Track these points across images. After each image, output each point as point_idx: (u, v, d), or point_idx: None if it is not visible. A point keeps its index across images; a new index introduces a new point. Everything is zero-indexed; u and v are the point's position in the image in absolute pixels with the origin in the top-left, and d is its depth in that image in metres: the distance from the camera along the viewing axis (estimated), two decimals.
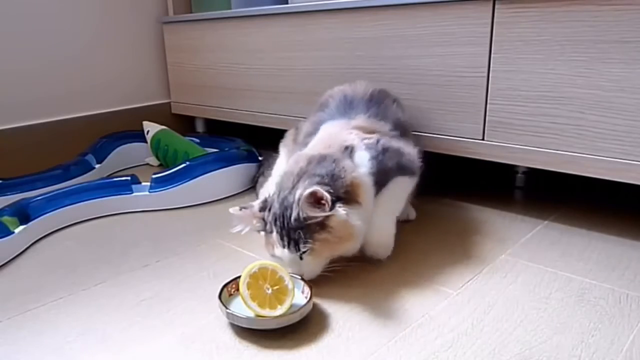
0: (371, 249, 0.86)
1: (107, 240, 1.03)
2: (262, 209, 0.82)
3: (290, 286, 0.72)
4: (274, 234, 0.79)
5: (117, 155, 1.52)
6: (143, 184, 1.21)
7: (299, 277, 0.78)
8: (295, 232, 0.76)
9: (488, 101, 1.04)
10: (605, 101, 0.90)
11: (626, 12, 0.85)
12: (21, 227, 1.01)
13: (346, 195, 0.79)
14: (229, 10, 1.51)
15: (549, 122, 0.97)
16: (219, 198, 1.25)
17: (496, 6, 0.99)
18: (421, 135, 1.15)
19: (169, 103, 1.81)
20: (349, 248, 0.81)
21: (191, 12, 1.70)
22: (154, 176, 1.21)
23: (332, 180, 0.79)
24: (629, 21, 0.85)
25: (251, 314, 0.69)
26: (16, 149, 1.44)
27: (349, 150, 0.86)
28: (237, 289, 0.73)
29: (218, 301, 0.72)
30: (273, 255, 0.81)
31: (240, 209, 0.83)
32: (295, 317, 0.70)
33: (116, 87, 1.67)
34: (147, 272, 0.89)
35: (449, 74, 1.08)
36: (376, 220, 0.85)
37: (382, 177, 0.86)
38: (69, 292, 0.83)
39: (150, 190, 1.19)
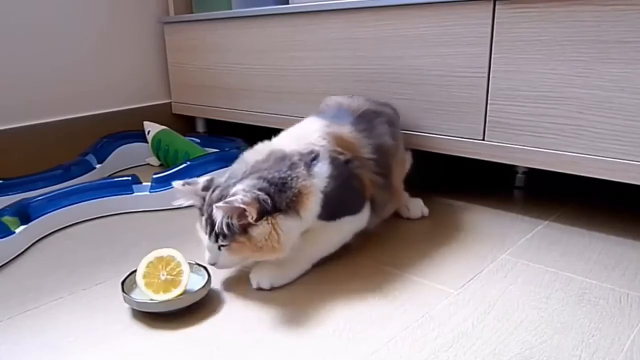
0: (257, 274, 0.82)
1: (108, 240, 1.04)
2: (206, 188, 0.82)
3: (184, 281, 0.75)
4: (203, 218, 0.80)
5: (117, 155, 1.53)
6: (144, 184, 1.21)
7: (204, 268, 0.81)
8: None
9: (488, 101, 1.04)
10: (605, 101, 0.90)
11: (626, 12, 0.85)
12: (22, 227, 1.01)
13: (289, 205, 0.76)
14: (229, 11, 1.51)
15: (549, 122, 0.97)
16: None
17: (497, 6, 0.99)
18: (421, 135, 1.15)
19: (170, 103, 1.81)
20: (271, 257, 0.79)
21: (192, 13, 1.70)
22: (154, 176, 1.21)
23: (277, 190, 0.76)
24: (629, 21, 0.85)
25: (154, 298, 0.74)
26: (17, 149, 1.44)
27: (312, 156, 0.82)
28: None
29: (120, 287, 0.77)
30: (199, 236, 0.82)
31: (184, 185, 0.83)
32: (185, 301, 0.75)
33: (117, 87, 1.67)
34: None
35: (450, 74, 1.08)
36: (295, 257, 0.82)
37: (331, 203, 0.82)
38: (70, 292, 0.83)
39: (151, 190, 1.19)
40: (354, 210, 0.88)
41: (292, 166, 0.79)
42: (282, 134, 0.92)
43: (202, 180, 0.84)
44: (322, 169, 0.82)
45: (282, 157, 0.81)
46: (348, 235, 0.89)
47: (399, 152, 1.03)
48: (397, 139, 1.03)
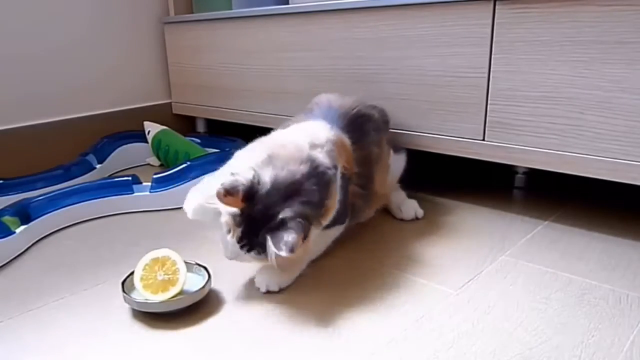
0: (264, 278, 0.83)
1: (108, 240, 1.04)
2: (248, 197, 0.74)
3: (181, 279, 0.76)
4: (239, 229, 0.75)
5: (118, 155, 1.53)
6: (144, 184, 1.21)
7: (204, 268, 0.81)
8: (259, 245, 0.74)
9: (488, 101, 1.04)
10: (605, 102, 0.90)
11: (626, 13, 0.85)
12: (22, 227, 1.01)
13: (318, 219, 0.79)
14: (229, 11, 1.51)
15: (549, 122, 0.97)
16: None
17: (497, 7, 0.99)
18: (421, 135, 1.15)
19: (170, 103, 1.81)
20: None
21: (192, 13, 1.70)
22: (154, 176, 1.21)
23: (316, 209, 0.78)
24: (629, 22, 0.85)
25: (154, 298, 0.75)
26: (17, 149, 1.44)
27: (336, 171, 0.83)
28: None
29: (120, 287, 0.78)
30: (223, 236, 0.78)
31: (225, 195, 0.72)
32: (185, 302, 0.75)
33: (117, 87, 1.67)
34: None
35: (450, 75, 1.08)
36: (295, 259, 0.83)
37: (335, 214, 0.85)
38: (70, 292, 0.83)
39: (151, 190, 1.20)
40: (342, 221, 0.90)
41: (328, 183, 0.80)
42: (292, 129, 0.92)
43: (241, 186, 0.73)
44: (339, 182, 0.84)
45: (318, 170, 0.79)
46: (330, 241, 0.93)
47: (383, 157, 1.02)
48: (382, 145, 1.02)
